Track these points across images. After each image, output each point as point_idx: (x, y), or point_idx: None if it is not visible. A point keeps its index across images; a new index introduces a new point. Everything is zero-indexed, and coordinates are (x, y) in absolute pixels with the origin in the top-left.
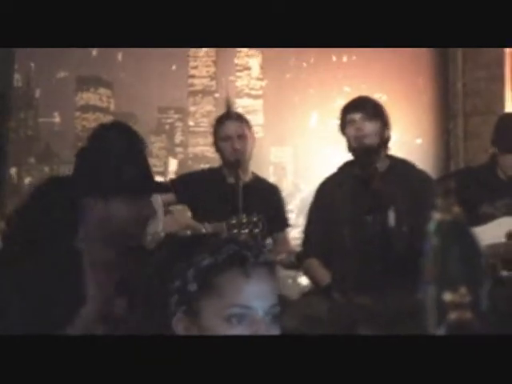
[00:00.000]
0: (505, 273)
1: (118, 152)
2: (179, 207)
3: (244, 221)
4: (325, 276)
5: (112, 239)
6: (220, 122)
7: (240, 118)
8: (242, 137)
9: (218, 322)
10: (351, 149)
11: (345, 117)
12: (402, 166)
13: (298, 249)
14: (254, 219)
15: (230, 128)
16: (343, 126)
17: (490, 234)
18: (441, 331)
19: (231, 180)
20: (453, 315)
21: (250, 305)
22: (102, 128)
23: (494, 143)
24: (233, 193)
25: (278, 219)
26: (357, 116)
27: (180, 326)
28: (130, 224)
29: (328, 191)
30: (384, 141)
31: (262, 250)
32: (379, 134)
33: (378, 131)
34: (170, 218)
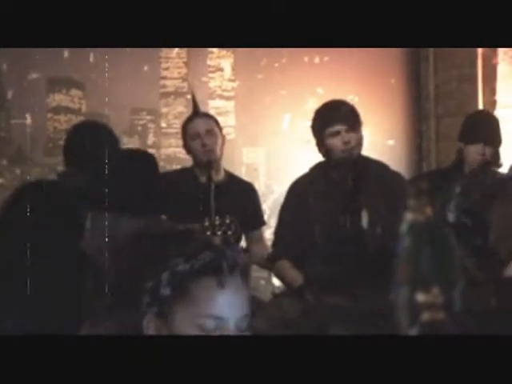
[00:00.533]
0: (478, 273)
1: (136, 174)
2: None
3: (217, 223)
4: (297, 277)
5: (115, 250)
6: (187, 121)
7: (207, 116)
8: (210, 132)
9: (189, 329)
10: (335, 158)
11: (325, 128)
12: (375, 167)
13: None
14: (227, 221)
15: (197, 125)
16: (322, 136)
17: None
18: (413, 332)
19: (203, 180)
20: (425, 316)
21: (222, 315)
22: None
23: (461, 138)
24: (205, 193)
25: (253, 217)
26: (342, 128)
27: (151, 327)
28: (134, 239)
29: (299, 191)
30: (362, 145)
31: (238, 259)
32: (361, 142)
33: (360, 140)
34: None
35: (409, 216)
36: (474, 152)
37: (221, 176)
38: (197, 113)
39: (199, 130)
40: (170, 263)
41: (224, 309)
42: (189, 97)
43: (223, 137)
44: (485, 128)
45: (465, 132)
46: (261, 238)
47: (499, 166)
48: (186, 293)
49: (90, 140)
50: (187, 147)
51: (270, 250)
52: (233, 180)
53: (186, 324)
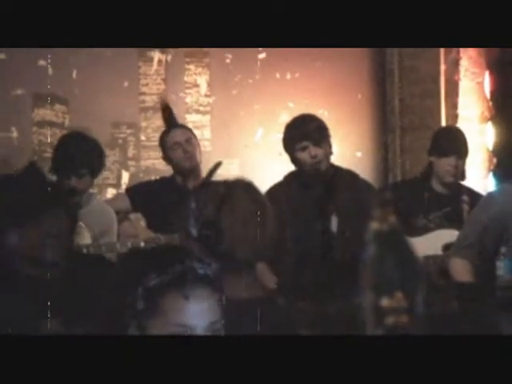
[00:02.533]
0: (440, 281)
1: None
2: (133, 215)
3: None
4: (271, 280)
5: (28, 263)
6: (165, 133)
7: (184, 127)
8: (189, 141)
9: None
10: (304, 171)
11: (294, 144)
12: (346, 176)
13: None
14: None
15: (176, 135)
16: (292, 151)
17: (425, 245)
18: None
19: (183, 184)
20: (390, 319)
21: (188, 324)
22: None
23: (432, 152)
24: (184, 197)
25: None
26: (309, 143)
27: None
28: (35, 248)
29: (273, 199)
30: (330, 157)
31: (206, 271)
32: (329, 155)
33: (327, 153)
34: (128, 224)
35: (374, 225)
36: (447, 164)
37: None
38: (175, 124)
39: (179, 139)
40: (145, 278)
41: (190, 318)
42: None
43: (199, 144)
44: (457, 142)
45: (437, 145)
46: None
47: (464, 178)
48: (157, 306)
49: (77, 150)
50: (167, 158)
51: None
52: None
53: (159, 332)
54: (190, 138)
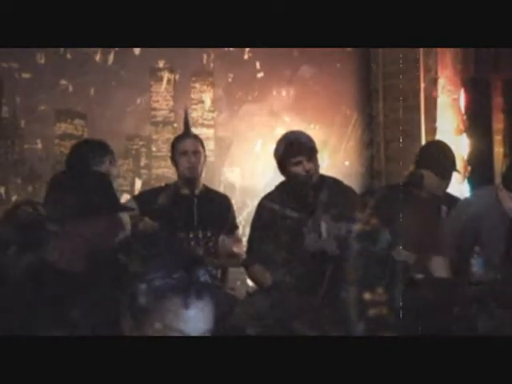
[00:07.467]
0: (417, 275)
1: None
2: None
3: (200, 236)
4: (266, 279)
5: (83, 253)
6: (179, 139)
7: (195, 137)
8: (196, 152)
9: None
10: (298, 182)
11: (289, 158)
12: (331, 183)
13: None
14: (209, 234)
15: (187, 144)
16: (286, 164)
17: None
18: (361, 325)
19: (185, 191)
20: (371, 311)
21: (184, 330)
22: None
23: (426, 165)
24: (188, 205)
25: (228, 224)
26: (303, 158)
27: (126, 326)
28: (97, 240)
29: (267, 206)
30: (318, 170)
31: (208, 280)
32: (317, 168)
33: (317, 168)
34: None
35: (357, 227)
36: (443, 186)
37: (199, 189)
38: (188, 133)
39: (188, 148)
40: (149, 276)
41: (187, 325)
42: (175, 125)
43: (205, 155)
44: (453, 167)
45: (436, 165)
46: (234, 241)
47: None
48: (158, 306)
49: (88, 155)
50: (174, 161)
51: (243, 251)
52: (210, 192)
53: (153, 331)
54: (198, 150)
